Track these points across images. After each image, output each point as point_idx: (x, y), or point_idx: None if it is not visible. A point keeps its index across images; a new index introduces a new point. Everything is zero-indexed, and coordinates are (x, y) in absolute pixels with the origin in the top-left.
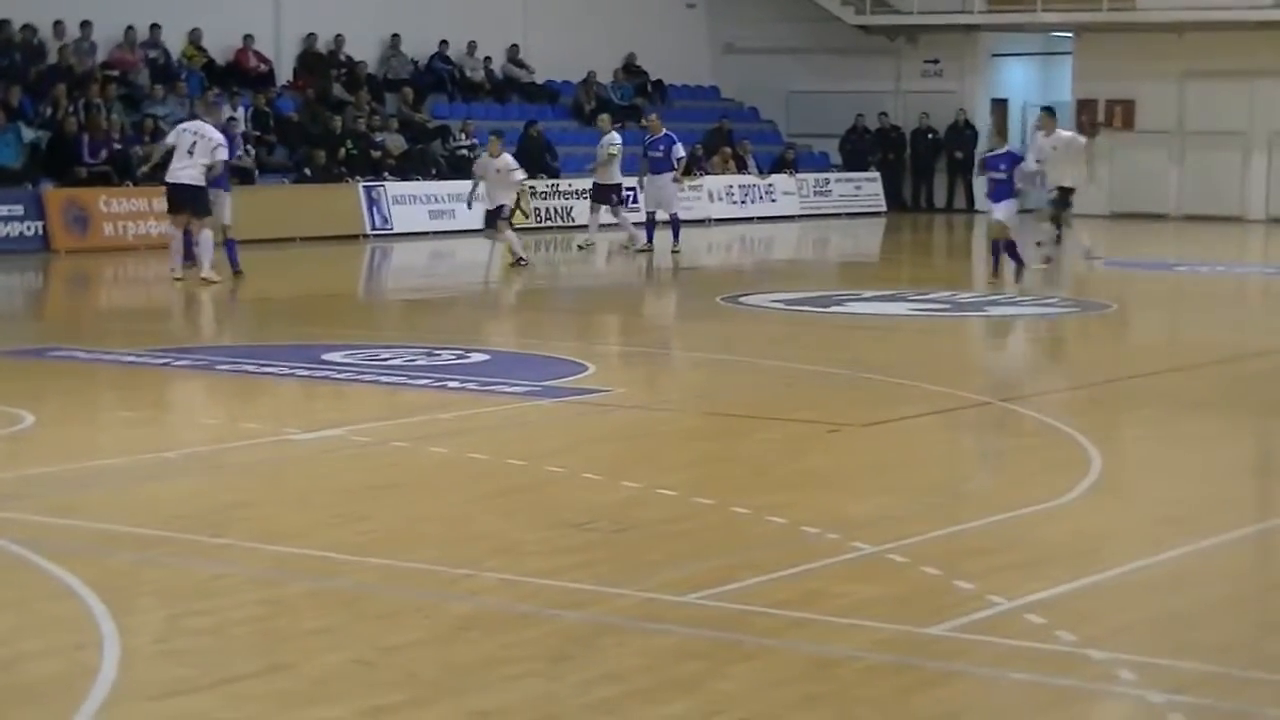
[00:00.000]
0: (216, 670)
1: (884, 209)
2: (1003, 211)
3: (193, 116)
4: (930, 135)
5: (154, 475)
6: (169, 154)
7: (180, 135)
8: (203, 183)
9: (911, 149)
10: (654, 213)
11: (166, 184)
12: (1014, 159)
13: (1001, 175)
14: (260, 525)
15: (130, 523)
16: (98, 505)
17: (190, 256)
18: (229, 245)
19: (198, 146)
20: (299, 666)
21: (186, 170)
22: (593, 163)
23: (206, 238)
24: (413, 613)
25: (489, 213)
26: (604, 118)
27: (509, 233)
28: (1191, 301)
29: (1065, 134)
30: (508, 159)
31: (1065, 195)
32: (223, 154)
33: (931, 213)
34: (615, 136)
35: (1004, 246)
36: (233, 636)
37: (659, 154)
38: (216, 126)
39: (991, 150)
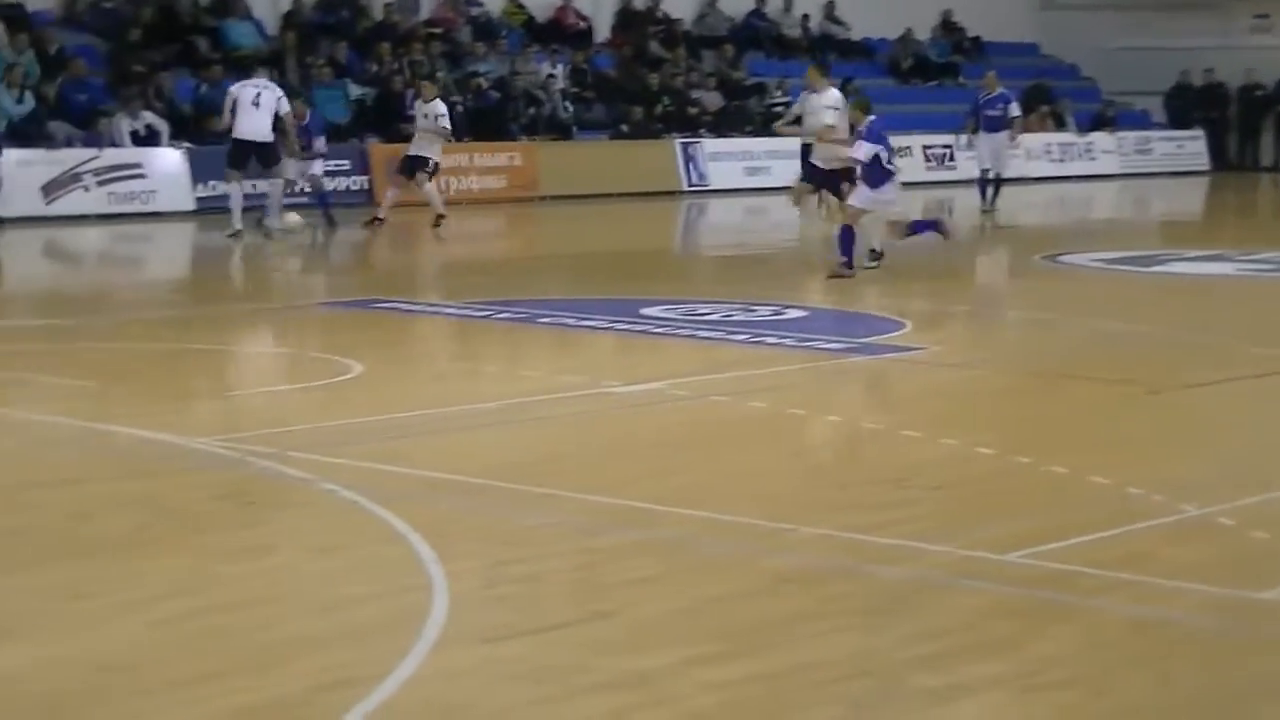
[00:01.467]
0: (539, 616)
1: (1208, 168)
2: None
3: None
4: (1258, 92)
5: (476, 425)
6: (234, 109)
7: (243, 90)
8: (271, 137)
9: (1238, 106)
10: (988, 170)
11: (234, 140)
12: None
13: None
14: (580, 476)
15: (453, 470)
16: (423, 453)
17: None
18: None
19: (263, 98)
20: (618, 615)
21: (253, 123)
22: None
23: (277, 188)
24: (732, 565)
25: (408, 159)
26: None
27: (429, 186)
28: None
29: None
30: (438, 105)
31: None
32: (285, 106)
33: (1257, 172)
34: (440, 106)
35: None
36: (554, 584)
37: (996, 112)
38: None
39: None
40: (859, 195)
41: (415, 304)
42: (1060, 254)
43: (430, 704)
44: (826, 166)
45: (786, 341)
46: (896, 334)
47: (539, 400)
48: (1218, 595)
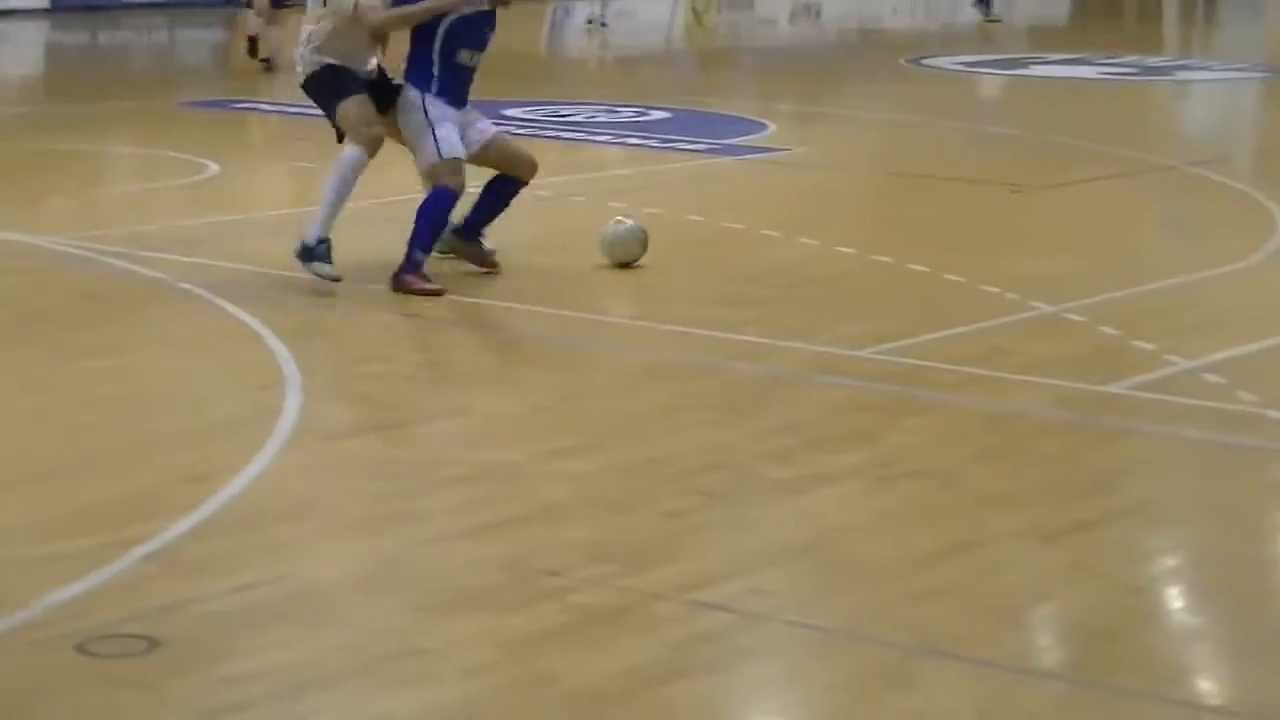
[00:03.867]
0: (396, 412)
1: None
2: None
3: None
4: None
5: (340, 225)
6: None
7: None
8: None
9: None
10: None
11: None
12: None
13: None
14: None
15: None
16: (279, 252)
17: None
18: None
19: None
20: (474, 411)
21: None
22: None
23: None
24: (590, 362)
25: None
26: None
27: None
28: None
29: None
30: None
31: None
32: None
33: None
34: None
35: None
36: (412, 381)
37: None
38: None
39: None
40: None
41: (275, 104)
42: (924, 57)
43: (283, 495)
44: None
45: (650, 143)
46: (760, 135)
47: (398, 200)
48: (1068, 389)
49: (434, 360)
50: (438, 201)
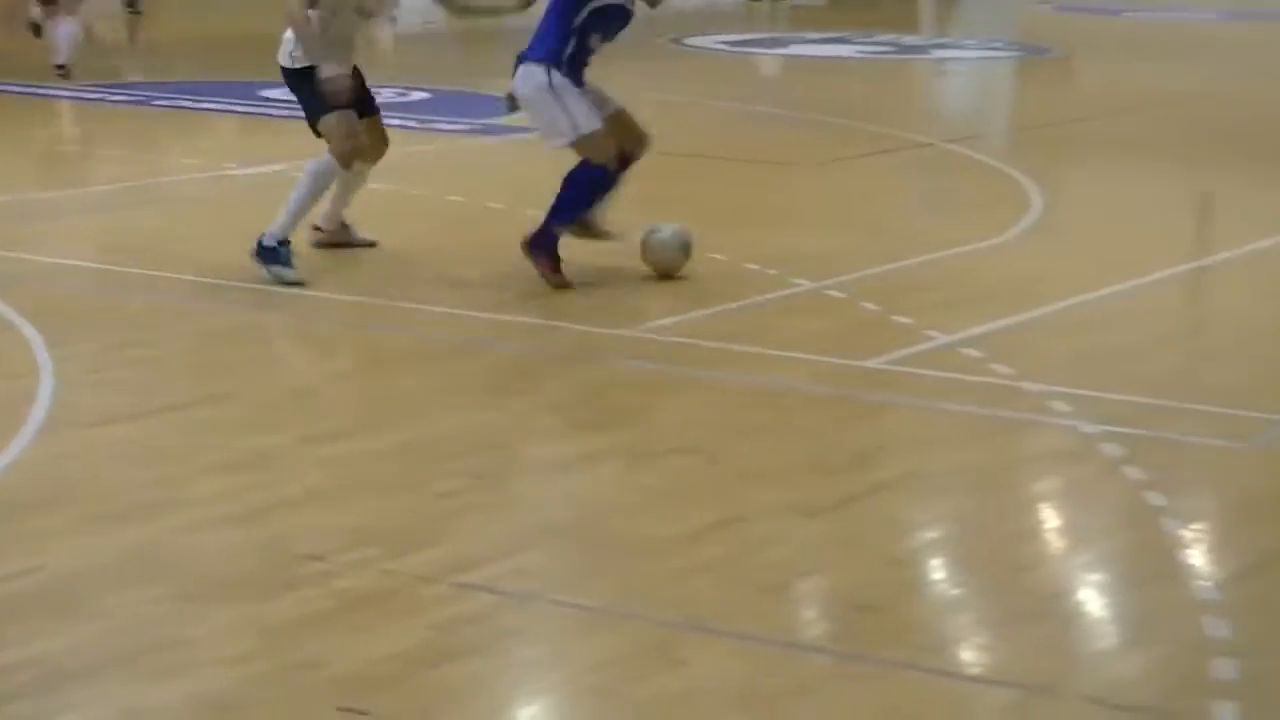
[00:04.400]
0: (154, 399)
1: None
2: None
3: None
4: None
5: (94, 208)
6: None
7: None
8: None
9: None
10: None
11: None
12: None
13: None
14: (197, 258)
15: (68, 255)
16: (36, 237)
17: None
18: None
19: None
20: (238, 396)
21: None
22: None
23: None
24: (352, 343)
25: None
26: None
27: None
28: (1136, 47)
29: None
30: None
31: None
32: None
33: None
34: None
35: None
36: (170, 367)
37: None
38: None
39: None
40: None
41: (28, 86)
42: (686, 36)
43: (38, 484)
44: None
45: (409, 123)
46: (520, 114)
47: (157, 183)
48: (830, 364)
49: (194, 346)
50: (586, 176)
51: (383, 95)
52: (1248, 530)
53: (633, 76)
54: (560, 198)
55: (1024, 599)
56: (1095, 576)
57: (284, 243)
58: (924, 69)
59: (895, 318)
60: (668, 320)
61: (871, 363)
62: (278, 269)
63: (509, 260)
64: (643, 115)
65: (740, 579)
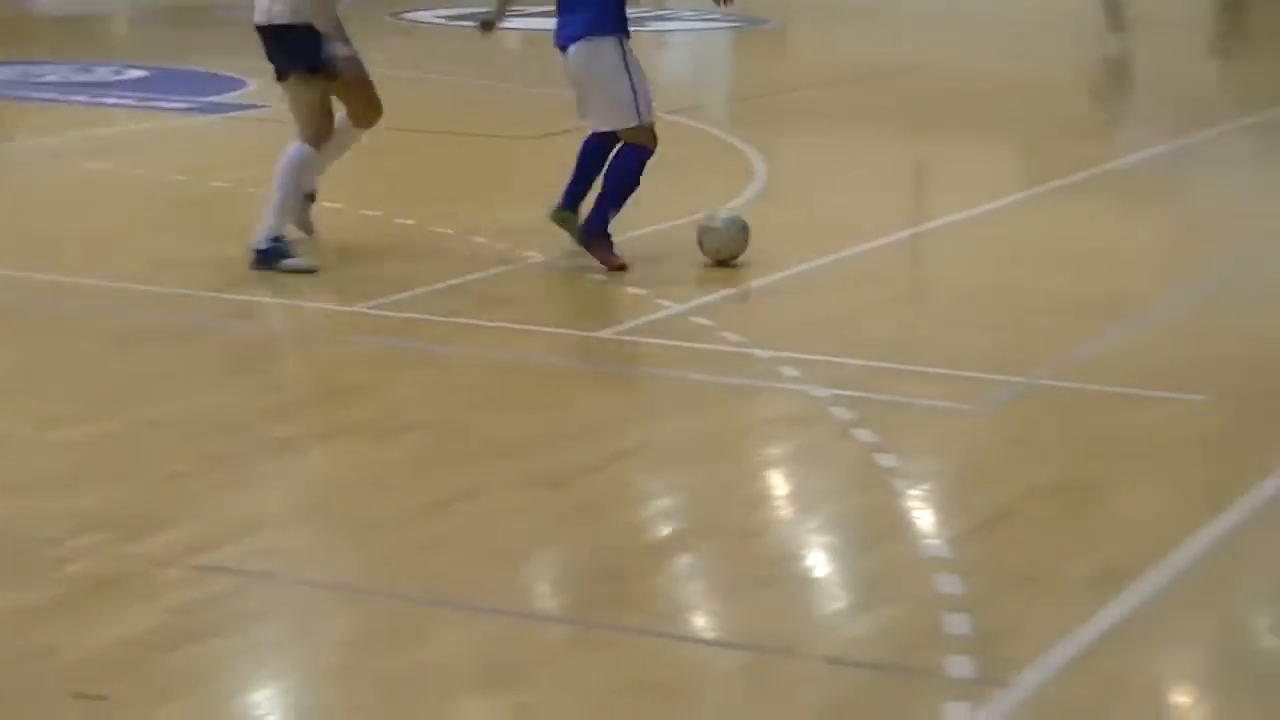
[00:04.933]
0: None
1: None
2: None
3: None
4: None
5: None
6: None
7: None
8: None
9: None
10: None
11: None
12: None
13: None
14: None
15: None
16: None
17: None
18: None
19: None
20: None
21: None
22: None
23: None
24: (80, 328)
25: None
26: None
27: None
28: (852, 17)
29: None
30: None
31: None
32: None
33: None
34: None
35: None
36: None
37: None
38: None
39: None
40: None
41: None
42: (404, 11)
43: None
44: None
45: (128, 101)
46: (241, 92)
47: None
48: (563, 336)
49: None
50: (636, 157)
51: (97, 74)
52: (976, 489)
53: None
54: (610, 184)
55: (759, 563)
56: (829, 538)
57: (277, 239)
58: (645, 40)
59: (626, 288)
60: (398, 296)
61: (604, 333)
62: (288, 262)
63: (234, 240)
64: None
65: (480, 552)
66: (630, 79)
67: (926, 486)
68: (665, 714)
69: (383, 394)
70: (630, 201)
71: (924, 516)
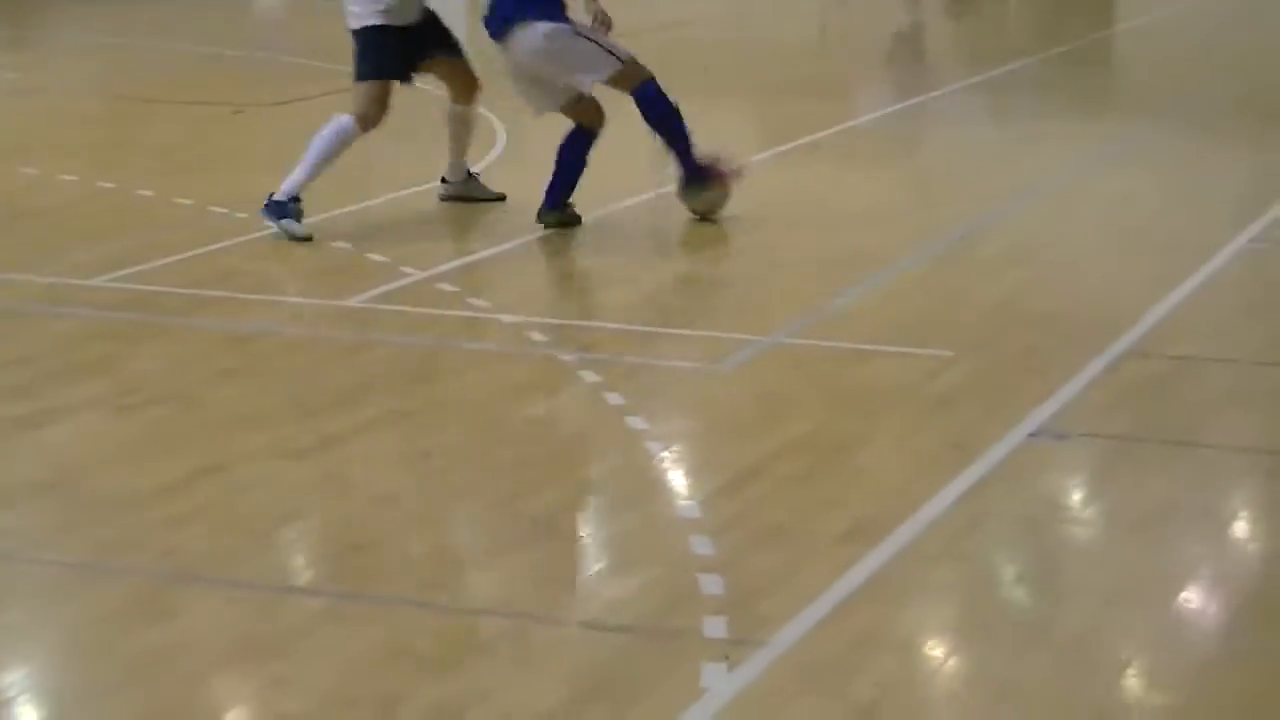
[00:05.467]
0: None
1: None
2: None
3: None
4: None
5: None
6: None
7: None
8: None
9: None
10: None
11: None
12: None
13: None
14: None
15: None
16: None
17: None
18: None
19: None
20: None
21: None
22: None
23: None
24: None
25: None
26: None
27: None
28: None
29: None
30: None
31: None
32: None
33: None
34: None
35: None
36: None
37: None
38: None
39: None
40: None
41: None
42: None
43: None
44: None
45: None
46: None
47: None
48: (305, 305)
49: None
50: (658, 95)
51: None
52: (725, 449)
53: (78, 22)
54: (667, 136)
55: (513, 529)
56: (582, 503)
57: (295, 199)
58: None
59: (369, 256)
60: (136, 268)
61: (349, 302)
62: (287, 223)
63: None
64: (94, 62)
65: (228, 526)
66: (586, 37)
67: (677, 448)
68: (423, 683)
69: (123, 368)
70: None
71: (676, 478)
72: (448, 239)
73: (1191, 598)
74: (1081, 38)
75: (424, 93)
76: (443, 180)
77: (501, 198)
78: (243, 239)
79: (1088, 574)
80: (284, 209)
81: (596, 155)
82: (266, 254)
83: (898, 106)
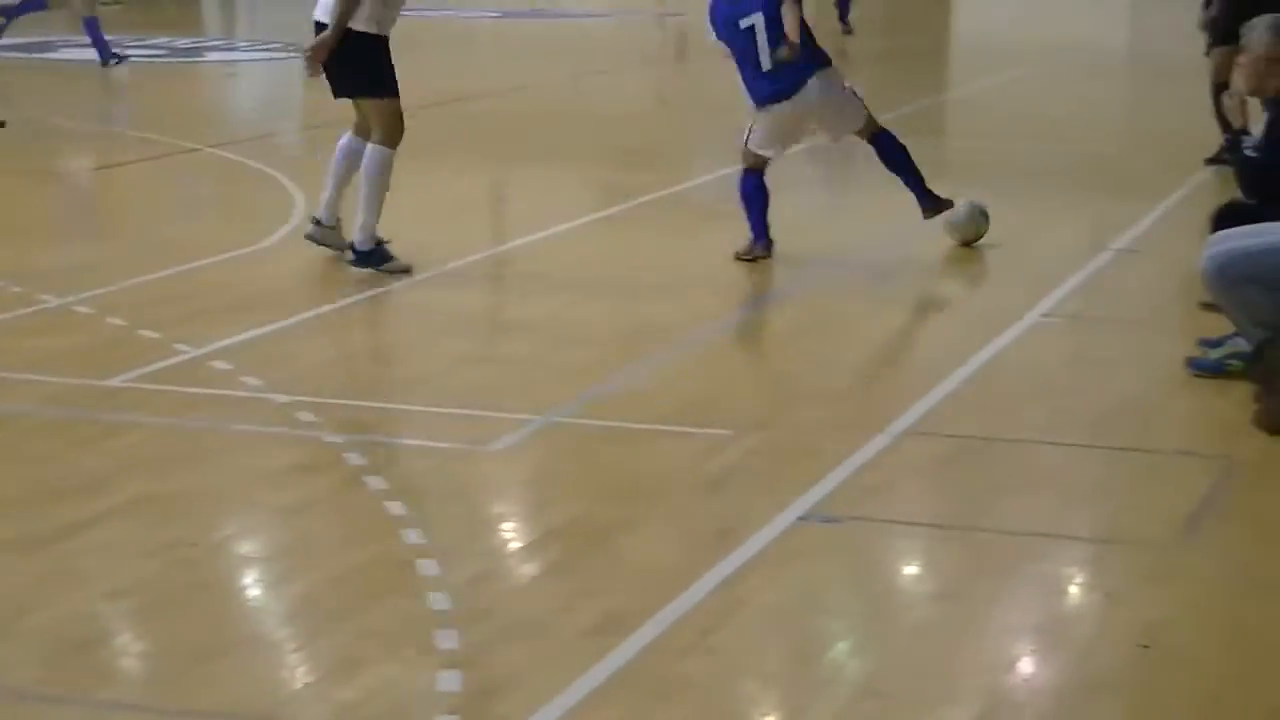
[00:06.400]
0: None
1: None
2: None
3: None
4: None
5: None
6: None
7: None
8: None
9: None
10: None
11: None
12: None
13: None
14: None
15: None
16: None
17: None
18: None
19: None
20: None
21: None
22: None
23: None
24: None
25: None
26: None
27: None
28: (412, 45)
29: None
30: None
31: None
32: None
33: None
34: None
35: None
36: None
37: None
38: None
39: None
40: None
41: None
42: None
43: None
44: None
45: None
46: None
47: None
48: (67, 385)
49: None
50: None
51: None
52: (484, 536)
53: None
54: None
55: (251, 624)
56: (328, 595)
57: (382, 241)
58: (200, 72)
59: (142, 332)
60: None
61: (113, 381)
62: (391, 264)
63: None
64: None
65: None
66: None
67: (435, 535)
68: None
69: None
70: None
71: (429, 567)
72: (228, 313)
73: (952, 692)
74: (911, 104)
75: (230, 161)
76: (314, 221)
77: (352, 246)
78: (14, 314)
79: (840, 667)
80: (378, 255)
81: (390, 225)
82: (36, 330)
83: (723, 173)
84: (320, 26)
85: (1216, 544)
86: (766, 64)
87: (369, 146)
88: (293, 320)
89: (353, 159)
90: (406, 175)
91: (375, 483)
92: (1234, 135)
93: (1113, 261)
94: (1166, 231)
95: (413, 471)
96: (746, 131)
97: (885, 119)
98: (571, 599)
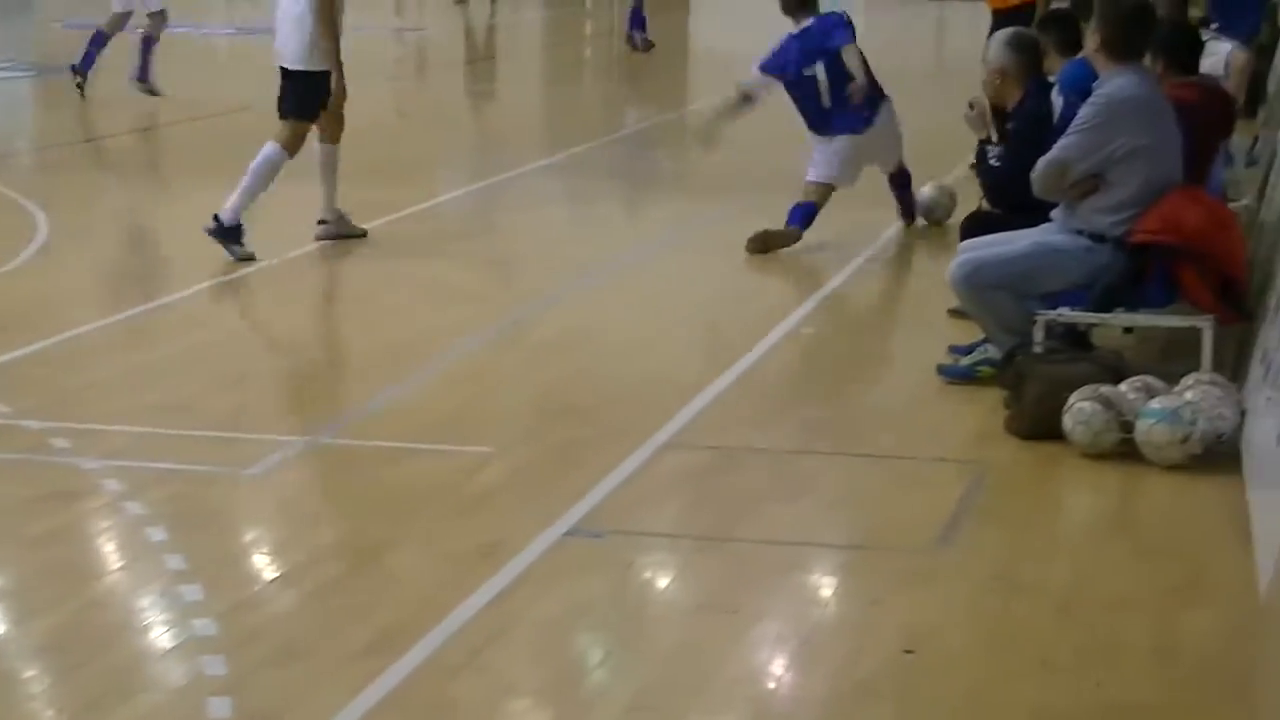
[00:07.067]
0: None
1: None
2: None
3: None
4: None
5: None
6: None
7: None
8: None
9: None
10: None
11: None
12: None
13: None
14: None
15: None
16: None
17: None
18: None
19: None
20: None
21: None
22: None
23: None
24: None
25: None
26: None
27: None
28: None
29: None
30: None
31: None
32: None
33: None
34: None
35: None
36: None
37: None
38: None
39: None
40: None
41: None
42: None
43: None
44: None
45: None
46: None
47: None
48: None
49: None
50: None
51: None
52: (248, 560)
53: None
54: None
55: (4, 660)
56: (86, 626)
57: (237, 226)
58: None
59: None
60: None
61: None
62: (240, 250)
63: None
64: None
65: None
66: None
67: (197, 560)
68: None
69: None
70: None
71: (192, 593)
72: None
73: (720, 704)
74: (649, 120)
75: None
76: (320, 222)
77: (363, 234)
78: None
79: (608, 683)
80: (235, 233)
81: (132, 250)
82: None
83: (470, 188)
84: (284, 73)
85: (973, 547)
86: (826, 101)
87: (270, 144)
88: (43, 344)
89: (327, 158)
90: (158, 192)
91: (134, 508)
92: (979, 145)
93: (863, 270)
94: (915, 239)
95: (172, 496)
96: (814, 167)
97: (624, 134)
98: (340, 621)
